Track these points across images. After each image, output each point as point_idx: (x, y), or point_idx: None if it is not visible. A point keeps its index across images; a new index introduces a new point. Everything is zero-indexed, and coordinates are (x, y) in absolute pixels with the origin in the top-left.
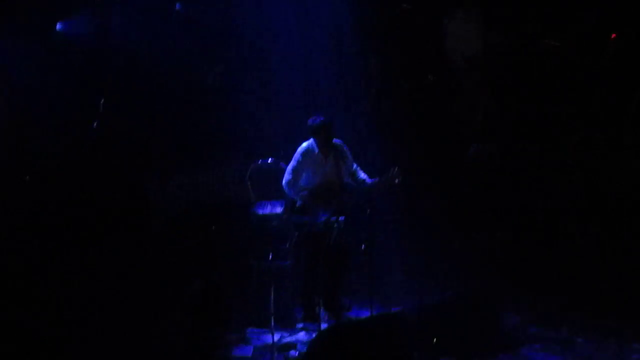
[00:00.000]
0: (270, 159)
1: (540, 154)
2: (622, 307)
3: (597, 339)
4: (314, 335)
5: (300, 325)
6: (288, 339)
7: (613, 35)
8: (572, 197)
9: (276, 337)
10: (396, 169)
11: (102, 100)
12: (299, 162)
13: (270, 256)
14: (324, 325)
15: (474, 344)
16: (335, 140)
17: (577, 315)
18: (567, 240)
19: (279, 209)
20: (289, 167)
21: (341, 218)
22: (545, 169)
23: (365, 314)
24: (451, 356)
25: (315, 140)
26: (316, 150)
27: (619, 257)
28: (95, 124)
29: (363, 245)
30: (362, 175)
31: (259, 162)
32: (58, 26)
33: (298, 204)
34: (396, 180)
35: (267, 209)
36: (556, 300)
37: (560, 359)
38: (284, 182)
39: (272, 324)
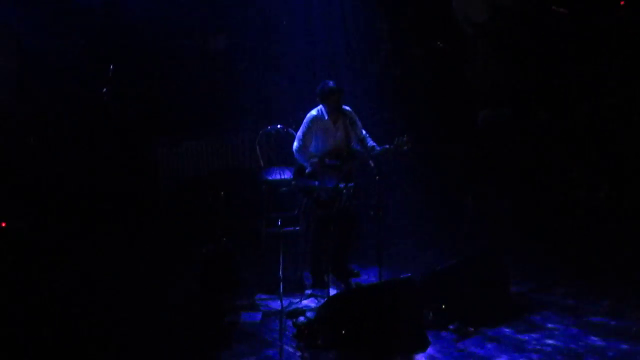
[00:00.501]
0: (279, 125)
1: (551, 120)
2: (633, 275)
3: (609, 305)
4: (322, 301)
5: (309, 292)
6: (297, 305)
7: (622, 2)
8: (583, 163)
9: (285, 303)
10: (405, 136)
11: (112, 66)
12: (308, 129)
13: (279, 222)
14: (332, 292)
15: (483, 310)
16: (344, 107)
17: (586, 282)
18: (577, 207)
19: (288, 175)
20: (299, 134)
21: (350, 184)
22: (556, 135)
23: (373, 280)
24: (460, 322)
25: (324, 106)
26: (325, 117)
27: (629, 224)
28: (105, 90)
29: (372, 212)
30: (371, 142)
31: (268, 128)
32: None
33: (307, 170)
34: (405, 147)
35: (276, 175)
36: (566, 267)
37: (569, 326)
38: (294, 148)
39: (281, 290)
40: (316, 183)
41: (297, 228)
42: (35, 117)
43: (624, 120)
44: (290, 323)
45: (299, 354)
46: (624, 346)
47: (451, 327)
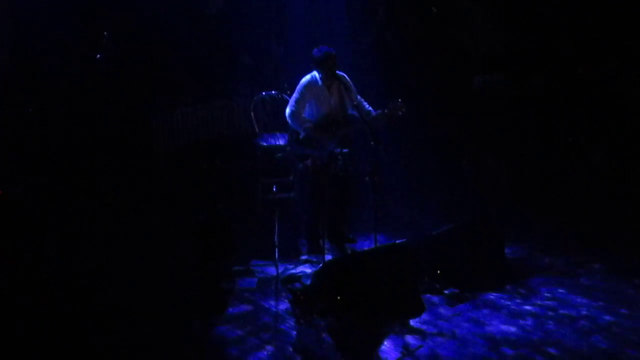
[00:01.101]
0: (274, 91)
1: (546, 85)
2: (630, 238)
3: (603, 269)
4: (318, 267)
5: (304, 258)
6: (292, 271)
7: None
8: (579, 127)
9: (280, 269)
10: (400, 101)
11: (106, 33)
12: (301, 94)
13: (275, 188)
14: (328, 258)
15: (479, 275)
16: (339, 72)
17: (583, 245)
18: (573, 172)
19: (283, 141)
20: (292, 99)
21: (345, 150)
22: (551, 99)
23: (369, 246)
24: (456, 287)
25: (318, 71)
26: (319, 82)
27: (624, 189)
28: (99, 56)
29: (367, 177)
30: (367, 107)
31: (263, 94)
32: None
33: (301, 135)
34: (400, 112)
35: (271, 141)
36: (562, 231)
37: (564, 291)
38: (287, 113)
39: (277, 256)
40: (310, 150)
41: (292, 194)
42: (30, 80)
43: (619, 84)
44: (286, 289)
45: (294, 319)
46: (619, 310)
47: (447, 292)
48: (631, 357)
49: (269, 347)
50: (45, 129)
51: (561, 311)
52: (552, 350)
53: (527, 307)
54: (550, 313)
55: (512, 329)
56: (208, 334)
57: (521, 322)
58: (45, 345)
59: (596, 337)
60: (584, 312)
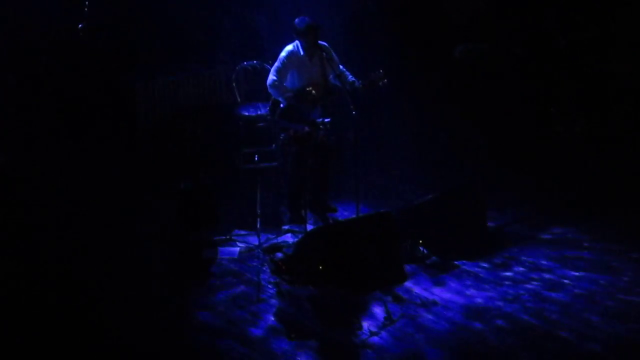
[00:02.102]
0: (255, 61)
1: (528, 54)
2: (611, 205)
3: (585, 238)
4: (300, 237)
5: (286, 227)
6: (274, 240)
7: None
8: (560, 96)
9: (262, 239)
10: (381, 71)
11: (87, 2)
12: (283, 64)
13: (257, 158)
14: (309, 227)
15: (461, 244)
16: (321, 42)
17: (565, 214)
18: (554, 140)
19: (265, 111)
20: (274, 68)
21: (327, 119)
22: (533, 69)
23: (351, 215)
24: (438, 256)
25: (300, 41)
26: (301, 52)
27: (605, 158)
28: (80, 26)
29: (349, 147)
30: (350, 77)
31: (245, 64)
32: None
33: (282, 105)
34: (380, 83)
35: (253, 111)
36: (544, 200)
37: (546, 259)
38: (268, 82)
39: (259, 225)
40: (292, 120)
41: (275, 163)
42: (11, 51)
43: (600, 53)
44: (267, 259)
45: (276, 289)
46: (601, 279)
47: (428, 261)
48: (615, 325)
49: (251, 317)
50: (26, 99)
51: (543, 281)
52: (532, 320)
53: (508, 276)
54: (532, 283)
55: (493, 298)
56: (189, 304)
57: (502, 291)
58: (16, 322)
59: (577, 307)
60: (566, 281)
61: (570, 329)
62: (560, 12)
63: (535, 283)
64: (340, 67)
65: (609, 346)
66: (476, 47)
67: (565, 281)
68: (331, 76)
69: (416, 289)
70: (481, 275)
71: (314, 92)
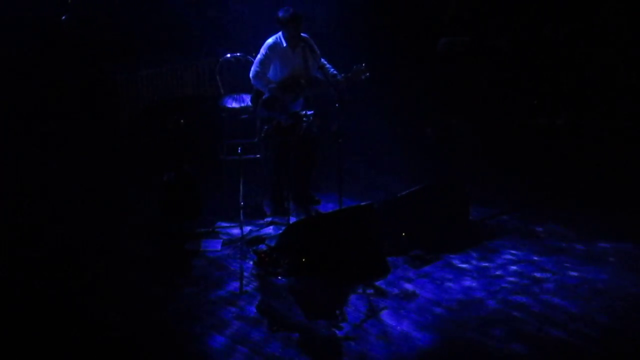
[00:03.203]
0: (239, 53)
1: (511, 47)
2: (594, 198)
3: (567, 231)
4: (282, 229)
5: (269, 219)
6: (257, 232)
7: None
8: (543, 90)
9: (245, 231)
10: (363, 64)
11: None
12: (266, 56)
13: (240, 150)
14: (292, 219)
15: (444, 236)
16: (304, 35)
17: (548, 208)
18: (538, 134)
19: (248, 103)
20: (257, 60)
21: (310, 112)
22: (516, 62)
23: (334, 208)
24: (421, 249)
25: (283, 33)
26: (284, 44)
27: (588, 151)
28: (64, 17)
29: (332, 139)
30: (332, 69)
31: (228, 56)
32: None
33: (265, 96)
34: (363, 76)
35: (237, 103)
36: (527, 193)
37: (528, 252)
38: (251, 74)
39: (242, 217)
40: (275, 111)
41: (258, 155)
42: None
43: (583, 46)
44: (250, 251)
45: (259, 281)
46: (582, 271)
47: (412, 253)
48: (597, 316)
49: (233, 309)
50: (7, 91)
51: (525, 273)
52: (515, 313)
53: (492, 269)
54: (514, 275)
55: (476, 289)
56: (171, 296)
57: (485, 283)
58: None
59: (558, 299)
60: (548, 275)
61: (554, 322)
62: (544, 6)
63: (517, 275)
64: (322, 60)
65: (592, 338)
66: (459, 40)
67: (548, 274)
68: (313, 68)
69: (399, 281)
70: (464, 267)
71: (303, 81)
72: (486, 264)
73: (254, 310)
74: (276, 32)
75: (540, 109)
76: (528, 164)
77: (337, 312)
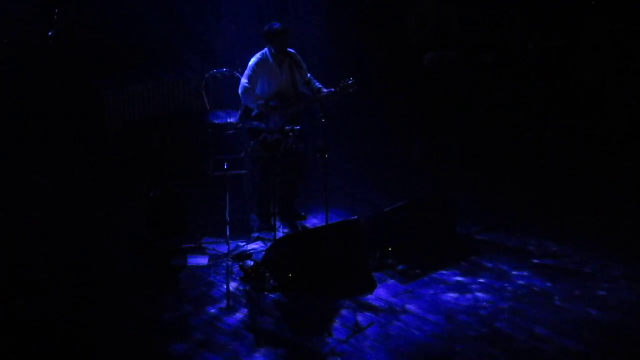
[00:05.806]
0: (225, 69)
1: (497, 62)
2: (580, 211)
3: (554, 246)
4: (269, 244)
5: (255, 235)
6: (244, 248)
7: None
8: (529, 104)
9: (232, 247)
10: (351, 79)
11: (57, 10)
12: (253, 72)
13: (226, 165)
14: (279, 235)
15: (431, 252)
16: (290, 50)
17: (535, 222)
18: (524, 149)
19: (234, 119)
20: (245, 76)
21: (297, 127)
22: (502, 77)
23: (320, 223)
24: (408, 264)
25: (269, 48)
26: (271, 60)
27: (575, 166)
28: (51, 33)
29: (318, 154)
30: (318, 84)
31: (214, 72)
32: None
33: (254, 112)
34: (351, 90)
35: (223, 119)
36: (513, 208)
37: (515, 268)
38: (240, 90)
39: (228, 233)
40: (262, 126)
41: (244, 171)
42: None
43: (569, 61)
44: (237, 266)
45: (245, 297)
46: (568, 287)
47: (399, 268)
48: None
49: (220, 325)
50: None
51: (512, 288)
52: (502, 326)
53: (478, 284)
54: (502, 290)
55: (463, 305)
56: (157, 312)
57: (471, 298)
58: None
59: (547, 313)
60: (536, 289)
61: (540, 337)
62: (529, 21)
63: (505, 291)
64: (309, 75)
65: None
66: (446, 55)
67: (535, 289)
68: (300, 84)
69: (385, 296)
70: (450, 281)
71: (290, 97)
72: (473, 279)
73: (241, 326)
74: (263, 48)
75: (527, 123)
76: (515, 178)
77: (324, 327)
